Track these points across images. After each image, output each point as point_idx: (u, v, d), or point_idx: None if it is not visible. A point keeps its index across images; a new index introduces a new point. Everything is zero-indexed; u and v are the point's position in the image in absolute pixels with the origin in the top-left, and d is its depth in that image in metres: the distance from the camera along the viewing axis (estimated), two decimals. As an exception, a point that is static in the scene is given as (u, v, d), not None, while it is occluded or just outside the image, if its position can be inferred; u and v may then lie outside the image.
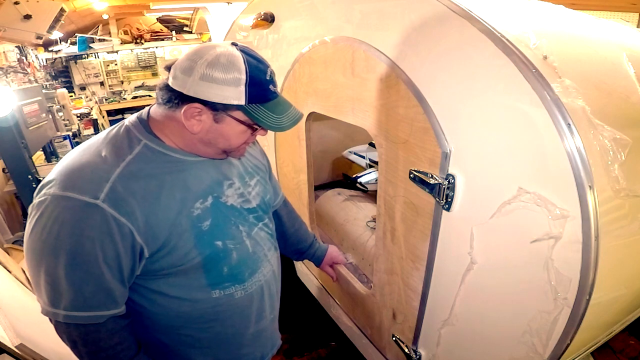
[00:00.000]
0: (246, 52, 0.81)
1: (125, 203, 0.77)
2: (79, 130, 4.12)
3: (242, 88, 0.78)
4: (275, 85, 0.83)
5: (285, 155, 1.90)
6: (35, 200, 0.78)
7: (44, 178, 0.81)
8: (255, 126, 0.85)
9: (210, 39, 5.32)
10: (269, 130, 0.87)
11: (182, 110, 0.80)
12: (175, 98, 0.81)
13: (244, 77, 0.78)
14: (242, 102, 0.79)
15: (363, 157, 2.34)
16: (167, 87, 0.82)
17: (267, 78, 0.81)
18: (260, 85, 0.80)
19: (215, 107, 0.80)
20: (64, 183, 0.76)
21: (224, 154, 0.91)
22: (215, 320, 0.96)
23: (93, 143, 0.84)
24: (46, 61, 6.03)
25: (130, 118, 0.89)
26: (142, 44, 6.46)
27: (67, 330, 0.81)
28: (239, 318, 1.00)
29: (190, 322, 0.94)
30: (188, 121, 0.81)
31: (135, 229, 0.78)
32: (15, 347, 1.04)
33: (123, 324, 0.87)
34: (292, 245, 1.38)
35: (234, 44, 0.82)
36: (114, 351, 0.85)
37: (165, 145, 0.86)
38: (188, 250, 0.85)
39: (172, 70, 0.82)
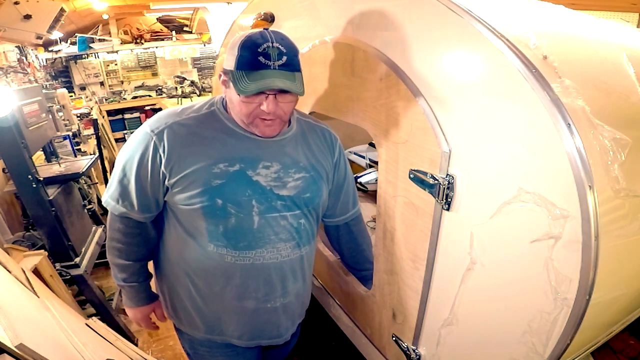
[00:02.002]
0: (262, 32, 0.94)
1: (166, 140, 1.01)
2: (79, 130, 4.11)
3: (235, 56, 0.95)
4: (269, 59, 0.93)
5: (285, 155, 1.89)
6: None
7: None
8: (235, 90, 0.96)
9: (210, 39, 5.32)
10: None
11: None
12: None
13: (237, 46, 0.95)
14: (233, 67, 0.95)
15: (363, 157, 2.34)
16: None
17: (259, 50, 0.92)
18: (249, 55, 0.93)
19: (225, 73, 0.99)
20: (149, 119, 1.07)
21: (248, 126, 1.04)
22: (206, 270, 1.09)
23: (190, 103, 1.13)
24: (46, 61, 6.03)
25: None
26: (142, 44, 6.47)
27: (107, 211, 1.13)
28: (225, 281, 1.09)
29: (188, 261, 1.10)
30: (222, 88, 1.04)
31: (165, 160, 1.01)
32: (15, 347, 1.04)
33: (140, 231, 1.12)
34: (344, 262, 1.55)
35: (265, 29, 0.97)
36: (121, 244, 1.12)
37: (226, 115, 1.07)
38: (193, 194, 1.01)
39: None
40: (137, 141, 1.04)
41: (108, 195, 1.09)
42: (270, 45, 0.93)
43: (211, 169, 1.01)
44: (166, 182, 1.03)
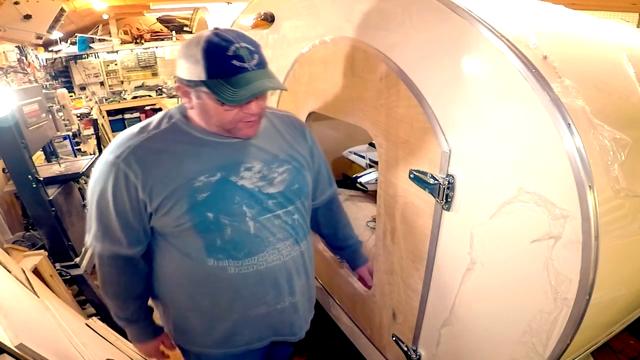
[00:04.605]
0: (217, 33, 0.88)
1: (136, 164, 0.93)
2: (79, 130, 4.11)
3: (201, 65, 0.86)
4: (243, 60, 0.87)
5: (285, 155, 1.89)
6: None
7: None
8: (218, 100, 0.89)
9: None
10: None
11: (176, 89, 0.96)
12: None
13: (200, 54, 0.86)
14: (203, 77, 0.87)
15: (363, 157, 2.34)
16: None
17: (229, 54, 0.86)
18: (219, 61, 0.86)
19: (191, 84, 0.90)
20: (107, 148, 0.99)
21: (228, 133, 0.98)
22: (209, 287, 1.05)
23: (145, 120, 1.03)
24: (46, 61, 6.02)
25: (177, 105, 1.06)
26: (142, 44, 6.46)
27: (93, 254, 1.03)
28: (232, 295, 1.05)
29: (189, 282, 1.05)
30: (182, 99, 0.96)
31: (140, 186, 0.93)
32: (15, 347, 1.04)
33: (133, 268, 1.05)
34: (328, 244, 1.49)
35: (216, 28, 0.90)
36: (118, 288, 1.06)
37: (191, 125, 0.99)
38: (180, 215, 0.96)
39: None
40: (103, 173, 0.95)
41: (91, 237, 1.01)
42: (239, 46, 0.87)
43: (192, 184, 0.95)
44: (148, 208, 0.96)
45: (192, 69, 0.88)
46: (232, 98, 0.86)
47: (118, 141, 0.98)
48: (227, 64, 0.86)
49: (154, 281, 1.11)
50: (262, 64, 0.91)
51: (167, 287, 1.10)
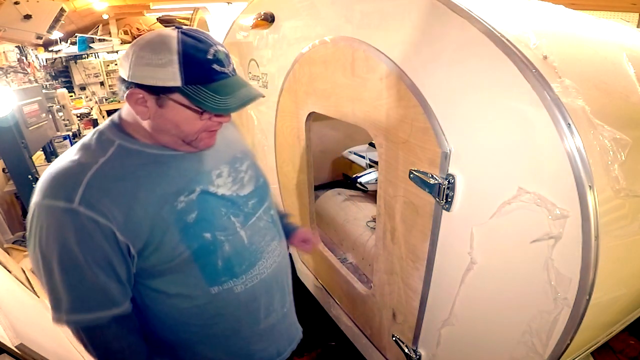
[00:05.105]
0: (185, 33, 0.77)
1: (101, 203, 0.76)
2: (79, 130, 4.12)
3: (176, 69, 0.75)
4: (223, 65, 0.79)
5: (285, 155, 1.90)
6: (28, 214, 0.80)
7: None
8: (199, 109, 0.79)
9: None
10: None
11: (125, 96, 0.78)
12: (123, 86, 0.79)
13: (175, 57, 0.74)
14: (178, 83, 0.75)
15: (363, 157, 2.34)
16: (118, 78, 0.81)
17: (209, 57, 0.77)
18: (199, 65, 0.76)
19: (155, 91, 0.77)
20: (42, 191, 0.77)
21: (187, 145, 0.85)
22: (219, 315, 0.95)
23: (70, 151, 0.84)
24: (46, 61, 6.03)
25: (103, 123, 0.89)
26: (142, 44, 6.46)
27: (77, 334, 0.82)
28: (244, 314, 0.98)
29: (194, 319, 0.93)
30: (135, 108, 0.80)
31: (116, 228, 0.77)
32: (15, 347, 1.04)
33: (130, 327, 0.87)
34: None
35: (178, 27, 0.79)
36: (122, 355, 0.86)
37: (140, 143, 0.84)
38: (175, 244, 0.83)
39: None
40: (55, 229, 0.75)
41: (64, 311, 0.78)
42: (217, 49, 0.78)
43: (175, 208, 0.83)
44: (131, 250, 0.80)
45: (159, 73, 0.75)
46: (219, 107, 0.77)
47: (54, 181, 0.77)
48: (208, 69, 0.77)
49: (147, 331, 0.93)
50: (235, 70, 0.83)
51: (166, 333, 0.95)
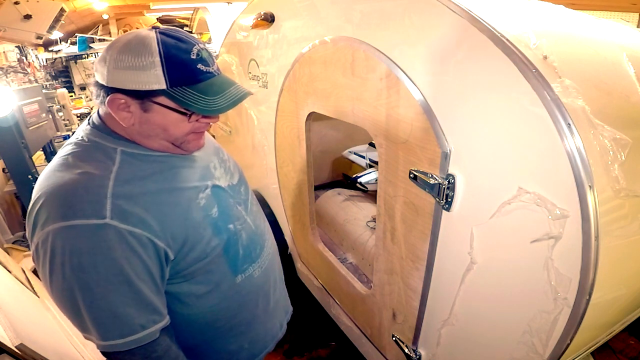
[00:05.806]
0: (165, 33, 0.74)
1: (133, 213, 0.73)
2: (79, 130, 4.10)
3: (159, 71, 0.71)
4: (208, 65, 0.76)
5: (285, 155, 1.90)
6: (37, 242, 0.71)
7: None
8: (187, 111, 0.77)
9: (210, 39, 5.33)
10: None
11: (106, 103, 0.75)
12: (100, 91, 0.76)
13: (157, 58, 0.71)
14: (163, 85, 0.72)
15: (363, 157, 2.34)
16: (95, 83, 0.78)
17: (193, 57, 0.74)
18: (183, 66, 0.73)
19: (139, 95, 0.74)
20: (61, 212, 0.69)
21: (176, 148, 0.83)
22: (243, 304, 0.97)
23: (60, 166, 0.76)
24: (46, 61, 6.03)
25: (82, 130, 0.83)
26: (142, 44, 6.45)
27: (131, 358, 0.77)
28: (262, 296, 1.02)
29: (222, 314, 0.94)
30: (118, 114, 0.76)
31: (153, 236, 0.75)
32: (15, 347, 1.04)
33: (173, 337, 0.85)
34: None
35: (155, 27, 0.76)
36: None
37: (141, 147, 0.81)
38: (209, 239, 0.84)
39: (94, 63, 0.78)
40: (94, 247, 0.69)
41: (122, 334, 0.74)
42: (199, 47, 0.76)
43: (199, 205, 0.84)
44: (169, 254, 0.78)
45: (141, 77, 0.71)
46: (209, 108, 0.74)
47: (70, 200, 0.71)
48: (193, 69, 0.74)
49: (177, 339, 0.89)
50: (219, 68, 0.81)
51: (195, 334, 0.94)
